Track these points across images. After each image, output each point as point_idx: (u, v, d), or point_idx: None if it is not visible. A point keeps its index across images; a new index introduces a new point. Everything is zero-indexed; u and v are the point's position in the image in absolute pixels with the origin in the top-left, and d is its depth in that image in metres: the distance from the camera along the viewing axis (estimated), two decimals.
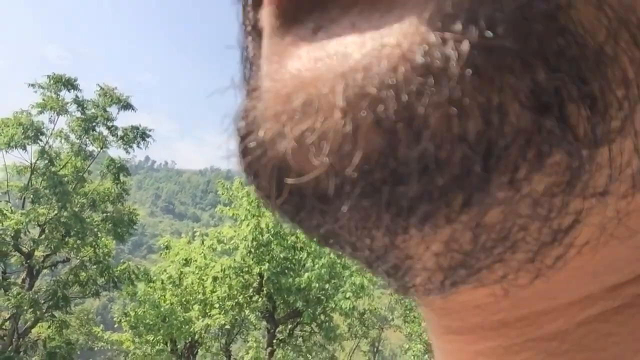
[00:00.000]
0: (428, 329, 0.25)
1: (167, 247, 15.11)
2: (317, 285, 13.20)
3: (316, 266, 13.36)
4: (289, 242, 13.58)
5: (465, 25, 0.14)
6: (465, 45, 0.13)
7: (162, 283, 14.40)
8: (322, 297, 13.97)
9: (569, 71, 0.14)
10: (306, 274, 13.37)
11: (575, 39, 0.14)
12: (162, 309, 13.55)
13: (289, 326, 14.49)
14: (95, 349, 16.83)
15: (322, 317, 14.38)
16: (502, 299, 0.20)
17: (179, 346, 14.49)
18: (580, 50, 0.14)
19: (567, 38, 0.14)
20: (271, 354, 13.77)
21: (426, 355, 21.25)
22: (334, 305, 14.17)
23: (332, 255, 13.69)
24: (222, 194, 14.00)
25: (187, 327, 13.62)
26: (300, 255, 13.62)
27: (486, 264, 0.17)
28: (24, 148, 13.30)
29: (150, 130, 14.67)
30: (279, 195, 0.17)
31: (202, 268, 14.00)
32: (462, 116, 0.14)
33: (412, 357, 21.88)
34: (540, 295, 0.19)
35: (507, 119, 0.14)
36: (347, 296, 13.87)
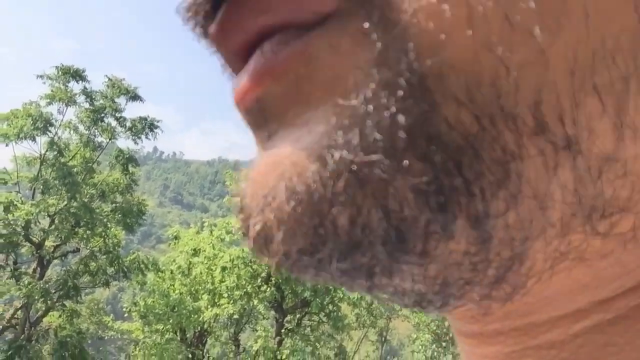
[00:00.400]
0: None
1: (176, 238, 15.20)
2: None
3: None
4: None
5: (349, 148, 0.17)
6: (347, 165, 0.17)
7: (171, 273, 14.51)
8: (330, 287, 14.01)
9: (443, 166, 0.16)
10: None
11: (443, 138, 0.16)
12: (171, 299, 13.65)
13: (297, 316, 14.56)
14: (106, 338, 16.99)
15: (330, 306, 14.44)
16: (492, 313, 0.21)
17: (188, 335, 14.60)
18: (450, 146, 0.16)
19: (435, 139, 0.16)
20: (280, 343, 13.85)
21: (434, 345, 21.28)
22: (341, 295, 14.22)
23: None
24: (231, 185, 14.02)
25: (196, 316, 13.73)
26: None
27: (452, 294, 0.19)
28: (34, 139, 13.40)
29: (158, 121, 14.72)
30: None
31: (211, 258, 14.08)
32: (359, 214, 0.17)
33: (420, 347, 21.91)
34: (528, 310, 0.20)
35: (396, 214, 0.17)
36: None
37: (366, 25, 0.17)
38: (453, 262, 0.18)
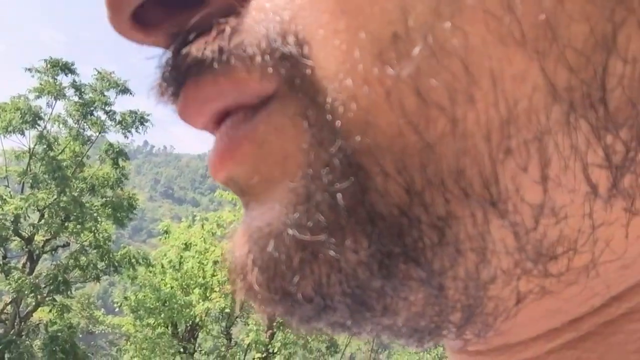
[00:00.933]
0: None
1: (166, 232, 15.15)
2: None
3: None
4: None
5: (299, 227, 0.19)
6: (299, 242, 0.19)
7: (162, 267, 14.46)
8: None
9: (383, 237, 0.18)
10: None
11: (379, 211, 0.18)
12: (162, 293, 13.62)
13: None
14: (97, 332, 16.95)
15: None
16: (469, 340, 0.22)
17: (179, 329, 14.59)
18: (387, 218, 0.18)
19: (373, 213, 0.18)
20: (271, 336, 13.88)
21: None
22: None
23: None
24: None
25: (187, 310, 13.72)
26: None
27: (425, 337, 0.21)
28: (22, 133, 13.28)
29: (148, 115, 14.63)
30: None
31: (202, 252, 14.06)
32: (320, 283, 0.19)
33: None
34: (502, 334, 0.21)
35: (351, 282, 0.19)
36: None
37: (300, 108, 0.18)
38: (416, 313, 0.19)
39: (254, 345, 13.61)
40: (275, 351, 13.62)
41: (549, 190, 0.17)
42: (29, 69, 13.46)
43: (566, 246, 0.18)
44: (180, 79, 0.21)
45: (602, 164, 0.17)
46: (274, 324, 14.02)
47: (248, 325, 14.50)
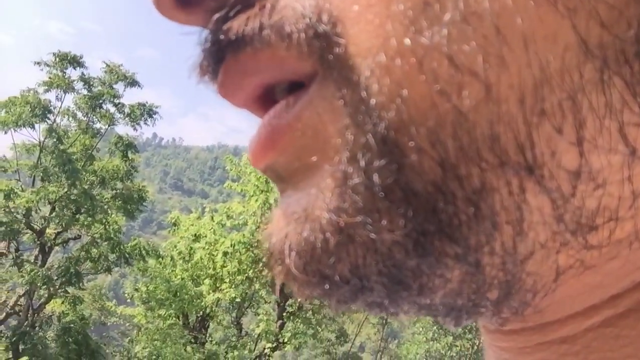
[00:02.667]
0: None
1: (175, 224, 15.22)
2: None
3: None
4: None
5: (336, 210, 0.19)
6: (335, 226, 0.19)
7: (172, 259, 14.55)
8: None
9: (419, 215, 0.18)
10: None
11: (415, 189, 0.17)
12: (173, 284, 13.71)
13: (299, 299, 14.63)
14: (109, 324, 17.11)
15: None
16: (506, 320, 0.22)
17: (190, 320, 14.70)
18: (422, 195, 0.18)
19: (408, 191, 0.18)
20: (281, 326, 13.95)
21: (434, 327, 21.44)
22: None
23: None
24: (231, 170, 14.03)
25: (198, 301, 13.80)
26: None
27: (462, 315, 0.21)
28: (32, 126, 13.35)
29: (157, 107, 14.66)
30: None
31: (212, 243, 14.11)
32: (356, 265, 0.19)
33: (421, 329, 22.09)
34: (541, 313, 0.21)
35: (388, 262, 0.19)
36: None
37: (336, 88, 0.19)
38: (453, 291, 0.19)
39: (264, 335, 13.68)
40: (285, 341, 13.70)
41: (586, 153, 0.17)
42: (38, 63, 13.51)
43: (607, 216, 0.18)
44: (220, 55, 0.22)
45: (639, 123, 0.17)
46: (284, 314, 14.09)
47: (258, 315, 14.58)
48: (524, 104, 0.16)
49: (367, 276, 0.19)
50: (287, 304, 14.41)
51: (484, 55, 0.16)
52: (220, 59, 0.22)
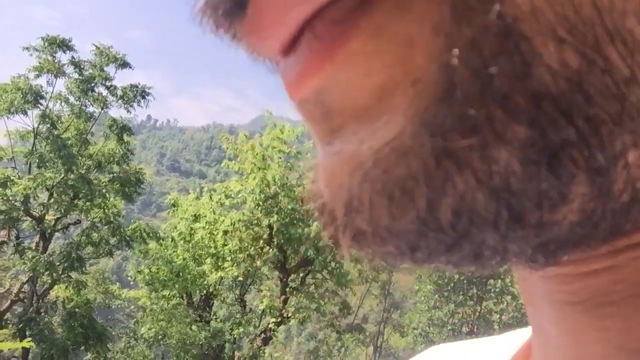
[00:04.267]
0: None
1: (174, 205, 15.25)
2: None
3: None
4: (296, 193, 13.65)
5: (439, 131, 0.15)
6: (439, 150, 0.15)
7: (173, 240, 14.61)
8: (332, 245, 14.13)
9: (551, 121, 0.14)
10: (315, 223, 13.50)
11: (547, 89, 0.14)
12: (175, 265, 13.80)
13: (301, 275, 14.76)
14: (113, 307, 17.26)
15: (333, 264, 14.62)
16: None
17: (194, 299, 14.84)
18: (555, 96, 0.14)
19: (538, 93, 0.14)
20: (285, 302, 14.08)
21: (436, 295, 21.71)
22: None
23: None
24: (227, 148, 13.98)
25: (201, 280, 13.92)
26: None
27: (562, 254, 0.18)
28: (25, 113, 13.26)
29: (149, 88, 14.55)
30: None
31: (212, 223, 14.16)
32: (463, 201, 0.15)
33: (422, 298, 22.37)
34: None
35: (504, 191, 0.15)
36: None
37: None
38: (567, 224, 0.16)
39: (268, 310, 13.82)
40: (289, 315, 13.85)
41: None
42: (27, 48, 13.34)
43: None
44: None
45: None
46: (287, 289, 14.21)
47: (261, 292, 14.71)
48: None
49: (478, 213, 0.15)
50: (289, 279, 14.52)
51: None
52: None
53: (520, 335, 0.35)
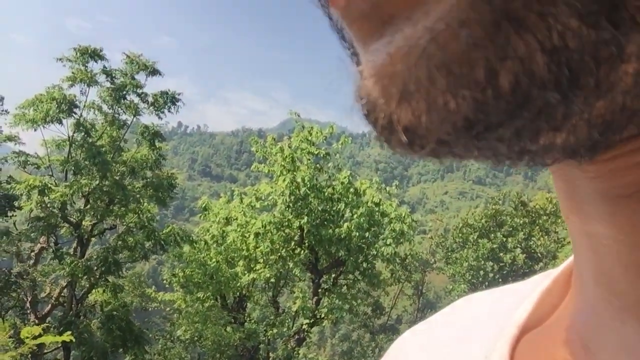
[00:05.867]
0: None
1: (205, 209, 15.43)
2: (357, 234, 13.33)
3: (354, 216, 13.45)
4: (325, 194, 13.67)
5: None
6: (498, 10, 0.15)
7: (206, 243, 14.79)
8: (363, 246, 14.12)
9: None
10: (345, 224, 13.48)
11: None
12: (208, 267, 13.97)
13: (333, 275, 14.77)
14: (150, 309, 17.55)
15: (365, 264, 14.58)
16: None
17: (228, 301, 14.99)
18: None
19: None
20: (317, 302, 14.11)
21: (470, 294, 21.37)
22: (375, 253, 14.32)
23: (369, 204, 13.75)
24: (256, 151, 14.09)
25: (234, 282, 14.05)
26: (338, 206, 13.72)
27: (615, 133, 0.17)
28: (60, 122, 13.59)
29: (179, 94, 14.76)
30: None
31: (244, 225, 14.29)
32: (523, 63, 0.15)
33: (456, 298, 22.06)
34: None
35: (563, 50, 0.15)
36: (388, 243, 13.97)
37: None
38: (622, 91, 0.15)
39: (301, 311, 13.87)
40: (322, 316, 13.86)
41: None
42: (60, 59, 13.69)
43: None
44: None
45: None
46: (319, 290, 14.23)
47: (294, 293, 14.76)
48: None
49: (538, 74, 0.15)
50: (321, 280, 14.54)
51: None
52: None
53: (550, 274, 0.36)
